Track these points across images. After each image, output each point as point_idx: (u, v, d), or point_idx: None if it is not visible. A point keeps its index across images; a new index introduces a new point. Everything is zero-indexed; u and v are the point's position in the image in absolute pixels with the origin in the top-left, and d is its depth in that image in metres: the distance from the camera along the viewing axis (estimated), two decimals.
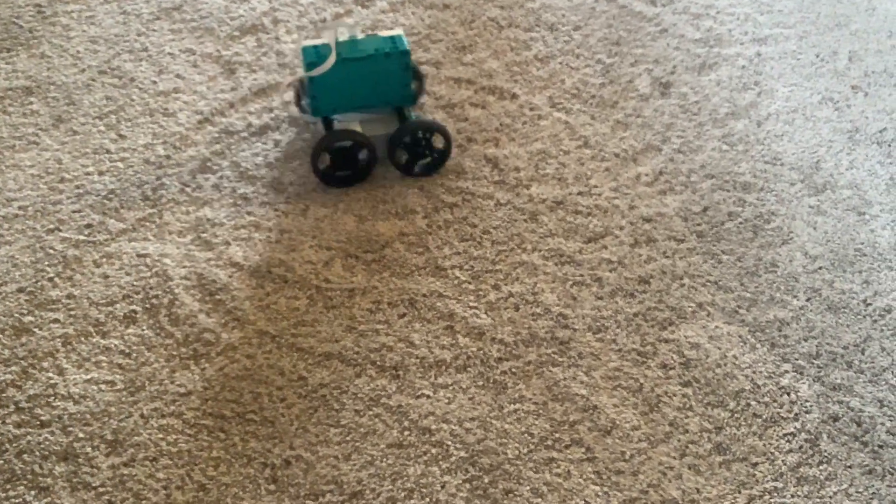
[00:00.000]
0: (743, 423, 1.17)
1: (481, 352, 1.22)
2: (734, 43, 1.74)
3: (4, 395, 1.14)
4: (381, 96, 1.45)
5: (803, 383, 1.22)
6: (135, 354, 1.20)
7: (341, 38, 1.42)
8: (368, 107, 1.46)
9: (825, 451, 1.15)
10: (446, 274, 1.32)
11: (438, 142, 1.46)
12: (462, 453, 1.12)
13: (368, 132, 1.43)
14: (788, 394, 1.20)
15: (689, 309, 1.29)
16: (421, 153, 1.45)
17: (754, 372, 1.22)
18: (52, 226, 1.35)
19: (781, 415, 1.18)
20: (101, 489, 1.06)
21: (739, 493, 1.10)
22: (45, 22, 1.70)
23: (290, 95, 1.56)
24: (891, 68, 1.70)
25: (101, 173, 1.43)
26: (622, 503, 1.08)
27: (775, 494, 1.10)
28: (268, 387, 1.17)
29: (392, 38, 1.44)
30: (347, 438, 1.12)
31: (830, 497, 1.10)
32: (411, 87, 1.47)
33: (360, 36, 1.44)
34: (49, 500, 1.05)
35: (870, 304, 1.31)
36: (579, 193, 1.44)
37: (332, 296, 1.28)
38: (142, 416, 1.13)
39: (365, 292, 1.29)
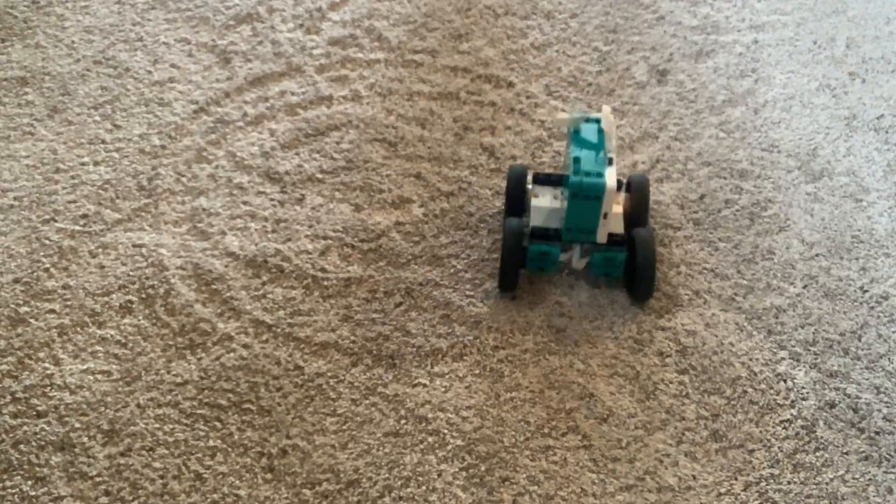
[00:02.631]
0: (739, 410, 1.17)
1: (478, 340, 1.22)
2: (731, 30, 1.73)
3: (0, 385, 1.14)
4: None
5: (800, 370, 1.22)
6: (131, 344, 1.19)
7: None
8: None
9: (822, 437, 1.15)
10: (443, 263, 1.31)
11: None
12: (459, 441, 1.12)
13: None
14: (785, 381, 1.20)
15: (686, 296, 1.29)
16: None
17: (751, 359, 1.22)
18: (47, 216, 1.34)
19: (778, 402, 1.18)
20: (97, 479, 1.06)
21: (736, 479, 1.10)
22: (39, 12, 1.69)
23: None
24: (888, 55, 1.69)
25: (96, 163, 1.43)
26: (618, 490, 1.08)
27: (772, 481, 1.10)
28: (264, 376, 1.17)
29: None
30: (344, 427, 1.13)
31: (827, 483, 1.11)
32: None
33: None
34: (46, 490, 1.05)
35: (867, 291, 1.31)
36: None
37: (328, 285, 1.28)
38: (138, 405, 1.13)
39: (361, 281, 1.29)
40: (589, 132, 1.24)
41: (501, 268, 1.25)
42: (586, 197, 1.19)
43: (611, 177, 1.18)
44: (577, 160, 1.20)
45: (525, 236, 1.26)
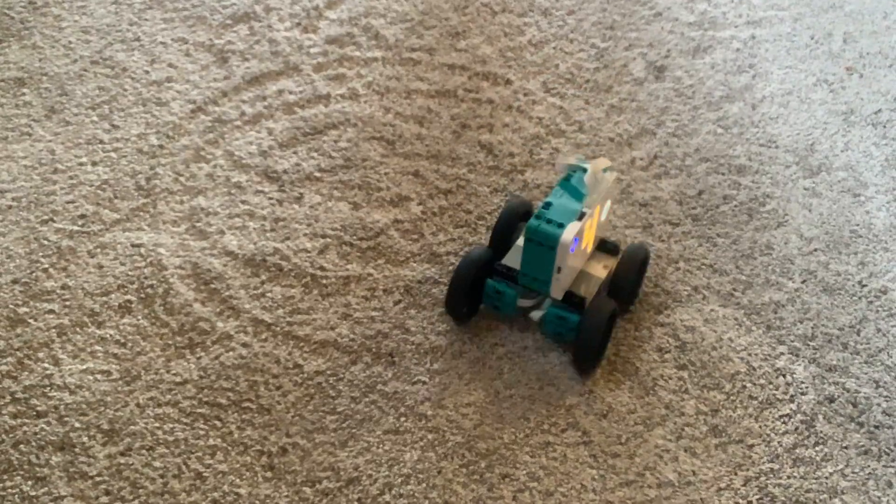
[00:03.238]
0: (739, 405, 1.17)
1: (477, 337, 1.22)
2: (728, 26, 1.74)
3: (0, 386, 1.14)
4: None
5: (799, 365, 1.22)
6: (130, 344, 1.19)
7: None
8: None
9: (821, 432, 1.15)
10: (441, 260, 1.31)
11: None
12: (458, 438, 1.12)
13: None
14: (784, 376, 1.20)
15: (685, 292, 1.29)
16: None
17: (750, 354, 1.22)
18: (45, 217, 1.34)
19: (777, 397, 1.18)
20: (97, 478, 1.06)
21: (735, 474, 1.10)
22: (36, 12, 1.69)
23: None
24: (885, 49, 1.69)
25: (94, 164, 1.43)
26: (618, 485, 1.09)
27: (771, 476, 1.10)
28: (263, 375, 1.17)
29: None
30: (344, 425, 1.13)
31: (826, 477, 1.11)
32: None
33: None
34: (46, 489, 1.05)
35: (865, 286, 1.31)
36: None
37: (327, 283, 1.28)
38: (138, 405, 1.13)
39: (360, 279, 1.29)
40: (580, 182, 1.17)
41: (447, 294, 1.21)
42: (540, 244, 1.12)
43: (570, 230, 1.11)
44: (547, 205, 1.14)
45: (480, 268, 1.20)
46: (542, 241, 1.12)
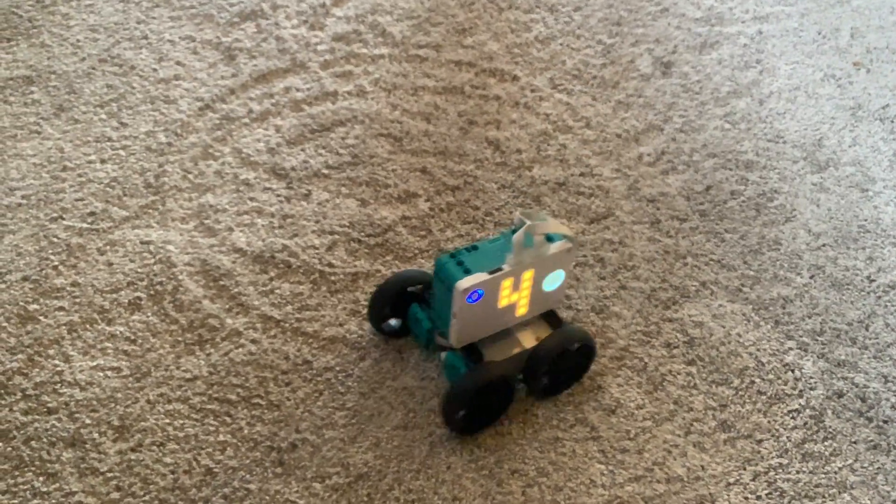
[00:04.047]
0: (747, 400, 1.17)
1: None
2: (735, 21, 1.73)
3: (11, 382, 1.15)
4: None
5: (807, 360, 1.22)
6: (140, 341, 1.20)
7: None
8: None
9: (830, 427, 1.15)
10: None
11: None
12: (467, 434, 1.12)
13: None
14: (793, 370, 1.20)
15: (693, 288, 1.29)
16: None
17: (758, 349, 1.22)
18: (55, 214, 1.35)
19: (786, 392, 1.18)
20: (108, 474, 1.07)
21: (744, 469, 1.10)
22: (44, 11, 1.70)
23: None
24: (893, 44, 1.69)
25: (103, 161, 1.43)
26: (627, 481, 1.09)
27: (780, 470, 1.11)
28: (273, 371, 1.17)
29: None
30: (353, 421, 1.13)
31: (835, 472, 1.11)
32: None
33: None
34: (57, 485, 1.05)
35: (873, 281, 1.31)
36: (581, 174, 1.44)
37: (335, 280, 1.28)
38: (148, 401, 1.14)
39: (368, 276, 1.29)
40: (528, 238, 1.06)
41: (369, 301, 1.18)
42: (442, 281, 1.06)
43: (469, 280, 1.03)
44: (473, 247, 1.08)
45: (406, 286, 1.17)
46: (443, 279, 1.06)
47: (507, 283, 1.06)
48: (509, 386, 1.11)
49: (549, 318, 1.15)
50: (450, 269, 1.06)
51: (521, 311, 1.11)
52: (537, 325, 1.15)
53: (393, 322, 1.19)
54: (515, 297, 1.09)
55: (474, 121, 1.52)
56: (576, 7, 1.75)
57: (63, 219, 1.34)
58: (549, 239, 1.08)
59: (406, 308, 1.18)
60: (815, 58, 1.66)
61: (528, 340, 1.13)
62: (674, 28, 1.71)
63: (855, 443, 1.14)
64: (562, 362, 1.13)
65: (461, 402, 1.08)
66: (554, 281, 1.11)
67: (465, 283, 1.03)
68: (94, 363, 1.17)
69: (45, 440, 1.09)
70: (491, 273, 1.04)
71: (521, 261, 1.06)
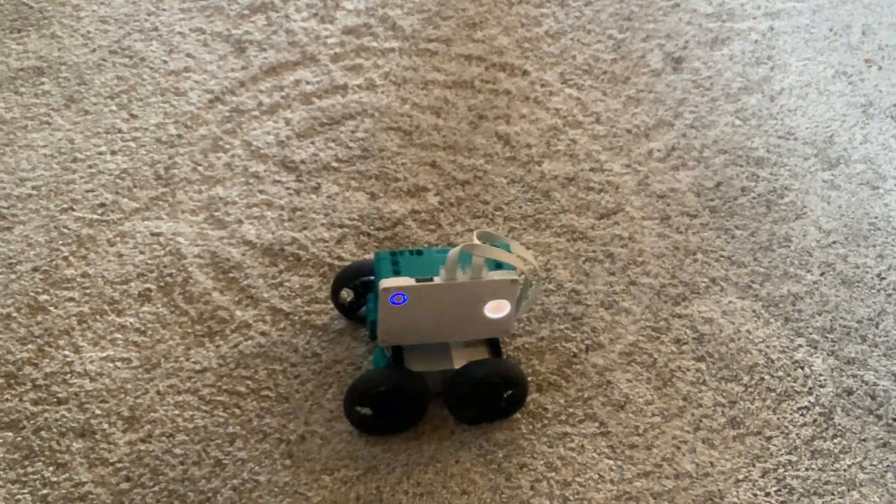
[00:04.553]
0: (757, 397, 1.17)
1: None
2: (747, 17, 1.73)
3: (21, 372, 1.15)
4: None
5: (817, 357, 1.21)
6: (150, 332, 1.20)
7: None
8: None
9: (839, 424, 1.15)
10: None
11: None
12: (475, 428, 1.12)
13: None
14: (802, 368, 1.20)
15: (703, 284, 1.29)
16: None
17: (768, 346, 1.22)
18: (65, 205, 1.35)
19: (795, 389, 1.18)
20: (118, 465, 1.07)
21: (753, 466, 1.10)
22: (55, 2, 1.70)
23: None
24: None
25: (113, 153, 1.43)
26: (636, 476, 1.09)
27: (789, 468, 1.10)
28: (282, 363, 1.17)
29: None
30: None
31: (845, 470, 1.11)
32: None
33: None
34: (67, 476, 1.06)
35: (884, 279, 1.31)
36: (591, 170, 1.44)
37: None
38: (158, 392, 1.14)
39: None
40: (465, 256, 1.05)
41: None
42: (375, 276, 1.07)
43: (394, 281, 1.03)
44: (419, 251, 1.08)
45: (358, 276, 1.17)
46: (374, 274, 1.08)
47: (438, 296, 1.05)
48: (420, 397, 1.09)
49: (493, 345, 1.13)
50: (382, 266, 1.06)
51: (457, 330, 1.09)
52: (477, 350, 1.12)
53: (344, 293, 1.19)
54: (450, 313, 1.07)
55: (484, 115, 1.52)
56: (586, 2, 1.74)
57: (73, 210, 1.35)
58: (499, 266, 1.06)
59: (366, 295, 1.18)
60: (826, 54, 1.65)
61: (459, 362, 1.10)
62: (685, 23, 1.71)
63: (864, 440, 1.13)
64: (482, 392, 1.09)
65: (357, 398, 1.08)
66: (498, 310, 1.08)
67: (388, 283, 1.03)
68: (104, 354, 1.17)
69: (55, 430, 1.10)
70: (419, 280, 1.03)
71: (453, 278, 1.04)
